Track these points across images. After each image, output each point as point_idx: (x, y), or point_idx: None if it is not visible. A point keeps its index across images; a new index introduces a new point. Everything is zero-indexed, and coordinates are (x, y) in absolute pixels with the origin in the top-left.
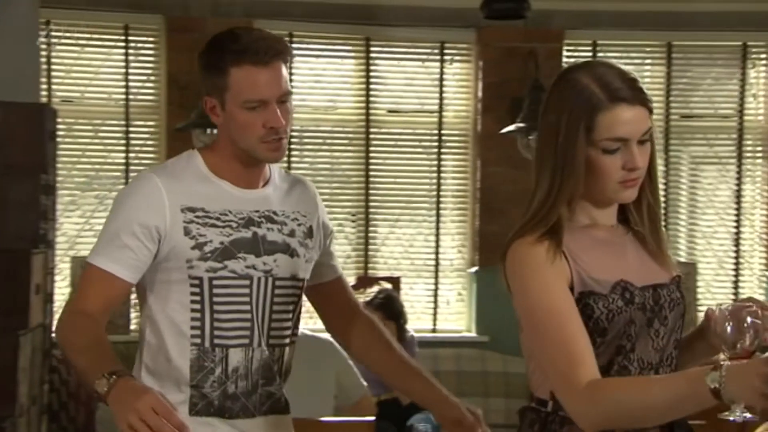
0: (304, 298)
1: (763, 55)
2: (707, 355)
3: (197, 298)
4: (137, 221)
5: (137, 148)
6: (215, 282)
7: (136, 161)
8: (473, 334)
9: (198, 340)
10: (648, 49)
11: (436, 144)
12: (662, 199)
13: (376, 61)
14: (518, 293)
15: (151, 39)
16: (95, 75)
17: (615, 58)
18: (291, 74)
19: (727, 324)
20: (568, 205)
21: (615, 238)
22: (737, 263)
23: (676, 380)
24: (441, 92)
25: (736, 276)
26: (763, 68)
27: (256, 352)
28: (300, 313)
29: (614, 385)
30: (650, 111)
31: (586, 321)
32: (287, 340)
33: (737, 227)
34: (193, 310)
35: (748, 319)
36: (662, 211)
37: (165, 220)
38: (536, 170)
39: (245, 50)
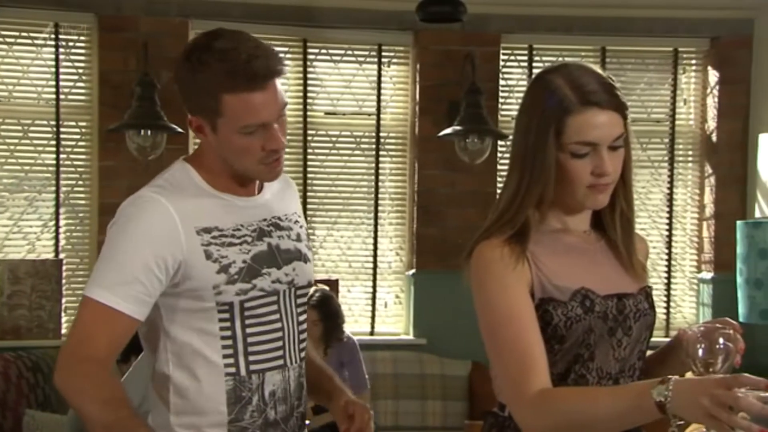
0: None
1: (694, 61)
2: (681, 371)
3: (227, 324)
4: (151, 253)
5: (68, 149)
6: (246, 304)
7: (68, 162)
8: (411, 336)
9: (233, 370)
10: (583, 53)
11: (373, 146)
12: None
13: (314, 63)
14: (478, 296)
15: (82, 38)
16: (24, 74)
17: (550, 62)
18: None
19: (699, 346)
20: (538, 209)
21: (585, 245)
22: (669, 265)
23: (624, 392)
24: (379, 94)
25: (668, 278)
26: (693, 74)
27: (291, 372)
28: None
29: (562, 395)
30: (625, 117)
31: (545, 327)
32: (304, 353)
33: (669, 230)
34: (223, 338)
35: (720, 341)
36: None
37: (181, 247)
38: (508, 171)
39: (237, 74)
